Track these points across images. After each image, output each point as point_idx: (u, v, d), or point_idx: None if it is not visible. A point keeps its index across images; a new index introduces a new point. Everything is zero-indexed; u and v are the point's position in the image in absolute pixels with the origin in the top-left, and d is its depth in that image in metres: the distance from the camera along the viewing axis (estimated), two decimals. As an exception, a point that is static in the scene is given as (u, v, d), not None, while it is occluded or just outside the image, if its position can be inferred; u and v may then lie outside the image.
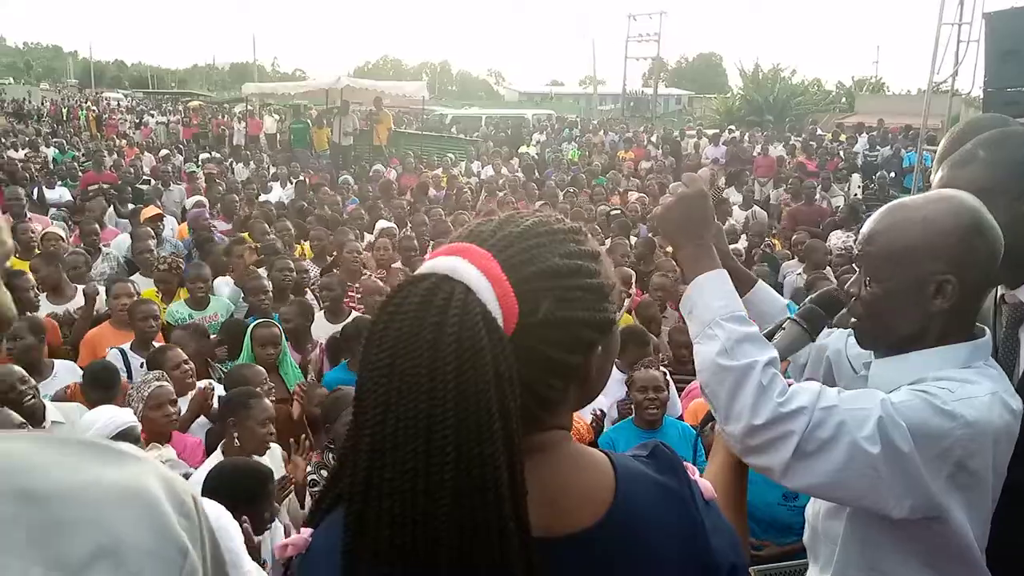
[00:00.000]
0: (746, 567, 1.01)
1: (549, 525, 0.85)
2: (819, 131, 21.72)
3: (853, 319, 1.51)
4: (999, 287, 1.66)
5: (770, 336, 1.59)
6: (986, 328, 1.46)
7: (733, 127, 21.46)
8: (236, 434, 3.06)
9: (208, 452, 3.32)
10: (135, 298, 4.58)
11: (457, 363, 0.74)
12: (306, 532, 0.90)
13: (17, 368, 3.21)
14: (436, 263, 0.82)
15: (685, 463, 1.00)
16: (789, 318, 1.61)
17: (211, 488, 2.57)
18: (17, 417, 2.71)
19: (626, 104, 36.24)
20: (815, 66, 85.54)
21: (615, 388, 3.84)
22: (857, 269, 1.48)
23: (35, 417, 3.01)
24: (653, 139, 20.41)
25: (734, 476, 1.41)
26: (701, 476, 1.01)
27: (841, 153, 16.93)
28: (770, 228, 8.92)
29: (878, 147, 16.92)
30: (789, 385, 1.37)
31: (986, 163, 1.60)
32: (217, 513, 2.00)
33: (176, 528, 0.70)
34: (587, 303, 0.86)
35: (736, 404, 1.32)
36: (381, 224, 7.44)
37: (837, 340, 1.78)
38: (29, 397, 3.08)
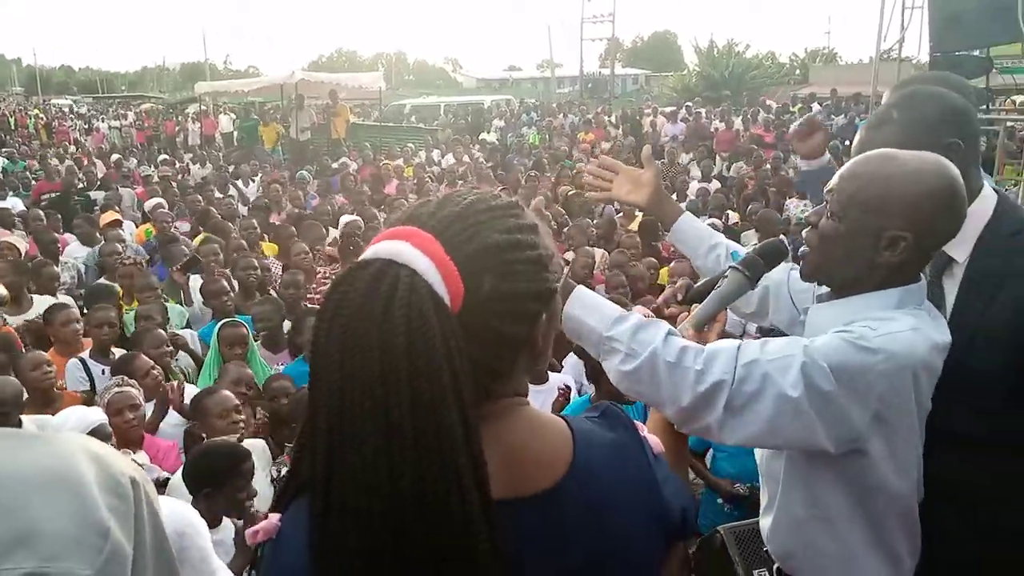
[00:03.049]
0: (695, 509, 1.06)
1: (512, 488, 0.88)
2: (768, 102, 21.89)
3: (804, 247, 1.55)
4: None
5: (713, 284, 1.64)
6: (922, 275, 1.52)
7: (691, 103, 21.56)
8: (203, 434, 3.10)
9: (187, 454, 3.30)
10: (78, 322, 4.37)
11: (408, 345, 0.76)
12: (274, 517, 0.91)
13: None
14: (379, 248, 0.84)
15: (635, 421, 1.05)
16: (731, 266, 1.65)
17: (187, 473, 2.63)
18: None
19: (584, 86, 36.26)
20: (769, 40, 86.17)
21: (580, 369, 3.88)
22: (827, 200, 1.52)
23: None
24: (612, 119, 20.46)
25: (672, 434, 1.44)
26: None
27: (795, 124, 17.12)
28: (731, 201, 9.03)
29: (832, 116, 17.16)
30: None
31: (901, 123, 1.64)
32: (187, 513, 2.01)
33: (100, 511, 0.71)
34: (529, 275, 0.89)
35: (661, 393, 1.35)
36: (345, 219, 7.40)
37: (779, 272, 1.83)
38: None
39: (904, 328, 1.39)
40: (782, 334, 1.72)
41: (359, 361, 0.77)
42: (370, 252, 0.84)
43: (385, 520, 0.76)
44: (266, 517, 0.92)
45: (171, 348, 4.21)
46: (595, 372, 3.21)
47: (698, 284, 1.72)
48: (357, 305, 0.79)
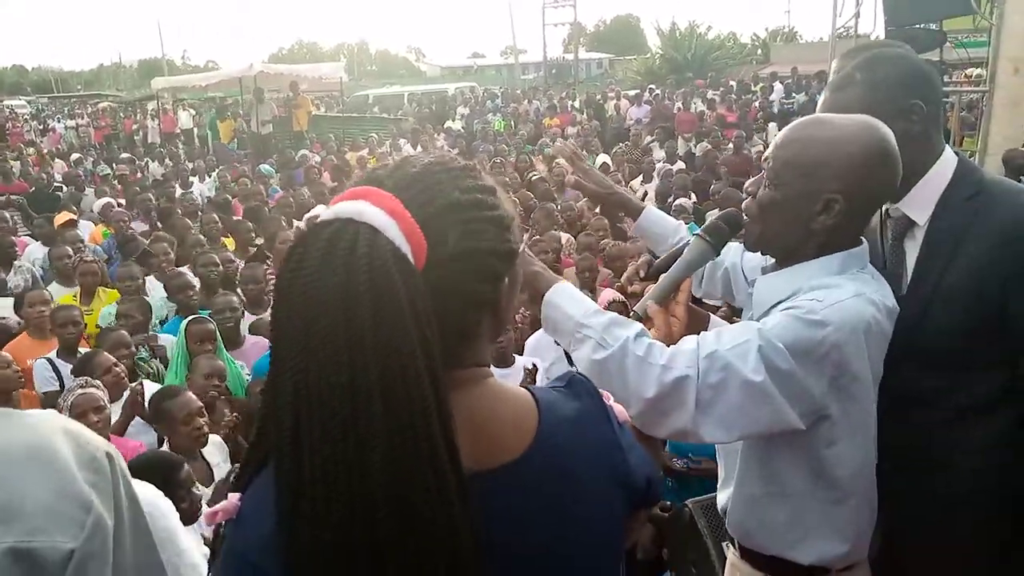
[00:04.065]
0: (660, 478, 1.07)
1: (478, 458, 0.86)
2: (731, 82, 22.07)
3: (745, 217, 1.57)
4: None
5: (677, 253, 1.64)
6: (863, 239, 1.53)
7: (654, 86, 21.66)
8: (166, 437, 3.03)
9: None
10: (50, 305, 4.44)
11: (373, 304, 0.74)
12: (234, 497, 0.88)
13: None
14: (338, 208, 0.81)
15: (600, 390, 1.04)
16: (695, 234, 1.66)
17: None
18: None
19: (548, 71, 36.25)
20: (730, 21, 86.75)
21: (552, 351, 3.88)
22: (764, 169, 1.53)
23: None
24: (576, 104, 20.48)
25: None
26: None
27: (757, 104, 17.29)
28: (695, 181, 9.08)
29: (794, 94, 17.35)
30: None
31: (863, 85, 1.64)
32: (149, 493, 1.98)
33: (80, 484, 0.71)
34: (491, 234, 0.88)
35: (628, 386, 1.35)
36: (317, 209, 7.32)
37: (734, 255, 1.86)
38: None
39: (848, 295, 1.40)
40: None
41: (322, 324, 0.74)
42: (328, 212, 0.81)
43: (355, 494, 0.73)
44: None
45: (130, 351, 4.12)
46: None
47: (659, 260, 1.72)
48: (316, 266, 0.76)
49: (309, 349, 0.74)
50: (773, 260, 1.59)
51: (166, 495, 2.43)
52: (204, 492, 2.75)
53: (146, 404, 3.45)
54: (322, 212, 0.83)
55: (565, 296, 1.41)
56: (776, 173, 1.48)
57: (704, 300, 2.18)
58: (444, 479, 0.76)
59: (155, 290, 5.32)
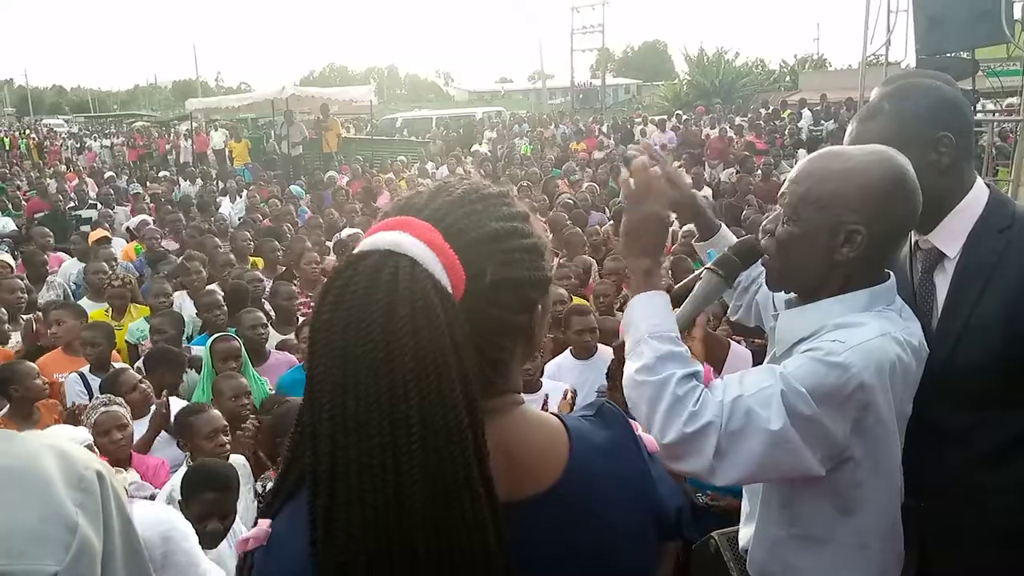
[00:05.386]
0: (689, 508, 1.05)
1: (510, 487, 0.85)
2: (761, 110, 22.04)
3: (765, 256, 1.54)
4: (913, 233, 1.70)
5: (690, 286, 1.63)
6: (890, 273, 1.50)
7: (681, 112, 21.68)
8: (188, 453, 3.08)
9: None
10: (69, 323, 4.46)
11: (414, 337, 0.74)
12: (264, 523, 0.87)
13: None
14: (377, 239, 0.81)
15: (630, 420, 1.04)
16: (705, 267, 1.64)
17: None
18: None
19: (575, 96, 36.43)
20: (758, 47, 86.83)
21: (570, 377, 3.88)
22: (781, 206, 1.51)
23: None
24: (604, 129, 20.55)
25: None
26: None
27: (786, 131, 17.24)
28: (720, 207, 9.05)
29: (822, 121, 17.27)
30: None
31: (892, 115, 1.62)
32: (168, 515, 1.99)
33: (65, 506, 0.70)
34: (527, 263, 0.89)
35: (655, 418, 1.33)
36: (346, 232, 7.42)
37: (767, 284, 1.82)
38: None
39: (872, 335, 1.37)
40: None
41: (363, 356, 0.74)
42: (367, 243, 0.81)
43: (391, 520, 0.73)
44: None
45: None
46: (616, 369, 3.19)
47: (677, 286, 1.70)
48: (359, 297, 0.76)
49: (348, 380, 0.75)
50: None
51: (222, 505, 2.46)
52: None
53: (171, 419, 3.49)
54: (360, 242, 0.83)
55: (646, 306, 1.42)
56: (793, 208, 1.46)
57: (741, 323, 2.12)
58: (479, 507, 0.76)
59: (185, 307, 5.38)
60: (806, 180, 1.46)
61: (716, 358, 1.82)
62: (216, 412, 3.23)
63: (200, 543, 2.28)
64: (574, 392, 3.73)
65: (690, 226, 5.67)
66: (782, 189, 1.51)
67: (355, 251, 0.82)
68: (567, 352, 4.02)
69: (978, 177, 1.68)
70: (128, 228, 9.09)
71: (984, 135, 7.66)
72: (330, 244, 7.23)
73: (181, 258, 6.56)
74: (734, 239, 1.98)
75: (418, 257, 0.79)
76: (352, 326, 0.75)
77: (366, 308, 0.75)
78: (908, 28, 7.35)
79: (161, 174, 16.04)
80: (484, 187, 0.93)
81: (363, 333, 0.74)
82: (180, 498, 2.57)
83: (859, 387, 1.33)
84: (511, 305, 0.87)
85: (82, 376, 4.12)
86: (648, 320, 1.40)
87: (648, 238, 1.44)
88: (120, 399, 3.41)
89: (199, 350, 4.52)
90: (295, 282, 5.69)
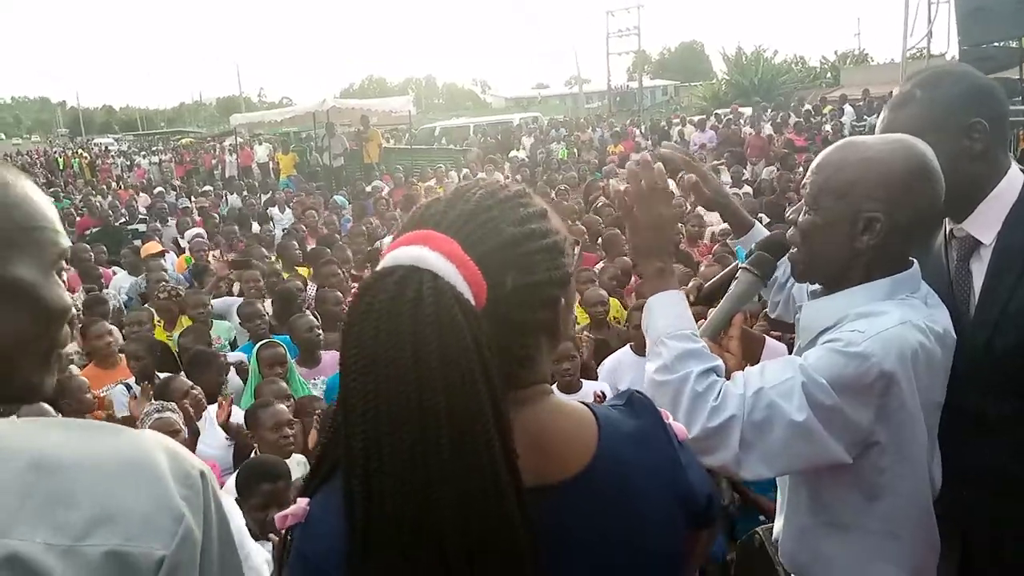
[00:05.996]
0: (719, 496, 1.07)
1: (540, 474, 0.89)
2: (803, 107, 21.71)
3: (791, 246, 1.56)
4: (948, 221, 1.69)
5: (723, 283, 1.65)
6: (914, 260, 1.50)
7: (720, 112, 21.47)
8: (255, 445, 3.23)
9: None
10: (110, 337, 4.57)
11: (441, 349, 0.78)
12: (303, 501, 0.92)
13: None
14: (399, 255, 0.85)
15: (660, 409, 1.06)
16: (741, 267, 1.65)
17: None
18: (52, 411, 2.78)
19: (612, 100, 36.29)
20: (797, 44, 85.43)
21: (630, 373, 3.82)
22: (803, 196, 1.53)
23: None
24: (641, 131, 20.46)
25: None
26: None
27: (828, 127, 16.96)
28: (762, 205, 8.95)
29: (865, 117, 16.94)
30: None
31: (924, 102, 1.62)
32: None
33: (174, 497, 0.77)
34: (546, 264, 0.91)
35: (677, 415, 1.35)
36: (388, 239, 7.54)
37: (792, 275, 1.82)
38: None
39: (892, 323, 1.37)
40: None
41: (392, 369, 0.78)
42: (390, 259, 0.85)
43: (423, 508, 0.78)
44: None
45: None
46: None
47: (708, 284, 1.72)
48: (386, 312, 0.80)
49: (379, 391, 0.79)
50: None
51: (278, 496, 2.63)
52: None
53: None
54: (385, 256, 0.87)
55: (663, 306, 1.44)
56: (813, 198, 1.48)
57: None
58: (506, 497, 0.80)
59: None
60: (825, 169, 1.47)
61: (754, 354, 1.83)
62: (282, 407, 3.35)
63: (262, 534, 2.43)
64: (603, 395, 3.75)
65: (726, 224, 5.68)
66: (804, 180, 1.53)
67: (380, 266, 0.86)
68: (627, 348, 4.02)
69: (1013, 163, 1.66)
70: (176, 240, 9.36)
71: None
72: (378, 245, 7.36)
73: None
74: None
75: (440, 271, 0.82)
76: (380, 341, 0.79)
77: (393, 324, 0.79)
78: (951, 19, 7.22)
79: (205, 189, 16.38)
80: (500, 190, 0.95)
81: (391, 347, 0.79)
82: (237, 496, 2.68)
83: (880, 375, 1.34)
84: (532, 306, 0.90)
85: (127, 387, 4.24)
86: (664, 320, 1.42)
87: (657, 239, 1.45)
88: (172, 404, 3.53)
89: (238, 356, 4.67)
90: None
